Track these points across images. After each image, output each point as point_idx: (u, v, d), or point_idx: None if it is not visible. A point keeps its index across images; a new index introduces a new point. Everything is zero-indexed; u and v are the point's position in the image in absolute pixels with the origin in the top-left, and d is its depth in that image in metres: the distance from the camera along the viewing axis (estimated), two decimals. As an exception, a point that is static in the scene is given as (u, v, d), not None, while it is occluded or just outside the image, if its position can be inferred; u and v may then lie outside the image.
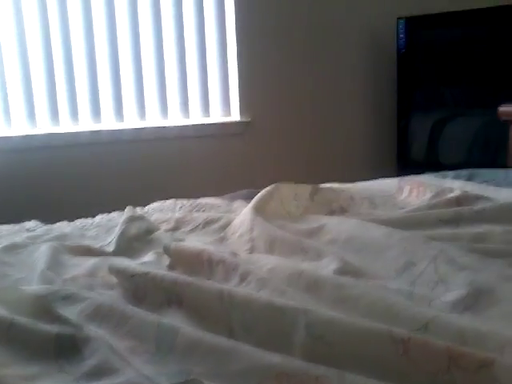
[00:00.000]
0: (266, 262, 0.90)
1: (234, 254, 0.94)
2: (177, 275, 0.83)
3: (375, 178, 1.70)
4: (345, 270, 0.87)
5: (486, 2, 2.74)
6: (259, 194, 1.25)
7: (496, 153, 2.60)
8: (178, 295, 0.78)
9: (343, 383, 0.54)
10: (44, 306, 0.74)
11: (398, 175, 2.01)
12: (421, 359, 0.55)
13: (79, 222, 1.33)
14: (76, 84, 2.53)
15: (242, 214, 1.17)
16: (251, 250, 1.03)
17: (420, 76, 2.90)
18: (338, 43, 2.87)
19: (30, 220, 1.40)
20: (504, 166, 2.14)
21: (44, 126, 2.52)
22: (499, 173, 1.58)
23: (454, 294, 0.76)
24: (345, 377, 0.55)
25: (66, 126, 2.54)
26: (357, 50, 2.91)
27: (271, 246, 1.01)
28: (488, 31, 2.79)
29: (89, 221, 1.34)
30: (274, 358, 0.59)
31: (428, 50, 2.88)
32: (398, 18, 2.78)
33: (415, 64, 2.85)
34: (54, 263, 1.00)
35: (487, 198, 1.28)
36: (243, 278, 0.83)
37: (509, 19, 2.70)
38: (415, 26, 2.80)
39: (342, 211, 1.26)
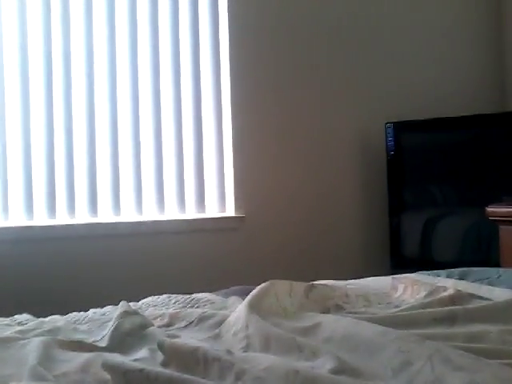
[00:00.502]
0: (262, 360, 0.89)
1: (230, 352, 0.93)
2: (171, 372, 0.82)
3: (369, 275, 1.72)
4: (341, 369, 0.86)
5: (468, 110, 2.91)
6: (254, 291, 1.25)
7: (488, 250, 2.63)
8: (173, 394, 0.77)
9: None
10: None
11: (391, 273, 2.03)
12: None
13: (72, 316, 1.32)
14: (74, 177, 2.60)
15: (237, 310, 1.17)
16: (246, 348, 1.02)
17: (409, 176, 3.00)
18: (329, 145, 3.00)
19: (21, 313, 1.38)
20: (497, 263, 2.17)
21: (41, 217, 2.55)
22: (492, 271, 1.60)
23: (451, 396, 0.75)
24: None
25: (62, 218, 2.57)
26: (348, 152, 3.03)
27: (266, 344, 1.00)
28: (472, 136, 2.94)
29: (82, 314, 1.32)
30: None
31: (416, 152, 3.00)
32: (386, 123, 2.92)
33: (404, 165, 2.96)
34: (45, 358, 0.98)
35: (481, 298, 1.29)
36: (239, 377, 0.82)
37: (490, 126, 2.85)
38: (403, 130, 2.94)
39: (338, 309, 1.26)
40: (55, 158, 2.57)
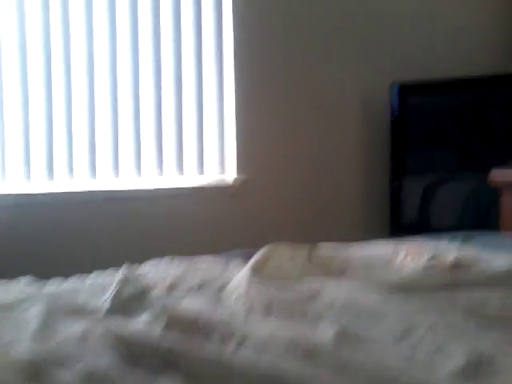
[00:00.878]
0: (264, 326, 0.89)
1: (232, 317, 0.93)
2: (173, 339, 0.82)
3: (368, 239, 1.71)
4: (343, 335, 0.86)
5: (477, 70, 2.84)
6: (256, 255, 1.25)
7: (487, 217, 2.62)
8: (175, 359, 0.77)
9: None
10: (35, 371, 0.73)
11: (390, 238, 2.02)
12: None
13: (73, 281, 1.32)
14: (73, 140, 2.57)
15: (239, 275, 1.17)
16: (248, 312, 1.02)
17: (412, 140, 2.95)
18: (332, 106, 2.95)
19: (23, 276, 1.38)
20: (496, 229, 2.16)
21: (39, 183, 2.53)
22: (493, 237, 1.60)
23: (453, 363, 0.75)
24: None
25: (60, 182, 2.55)
26: (351, 114, 2.98)
27: (268, 309, 1.00)
28: (479, 98, 2.88)
29: (83, 278, 1.33)
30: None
31: (420, 115, 2.95)
32: (392, 83, 2.86)
33: (408, 129, 2.91)
34: (46, 325, 0.99)
35: (483, 263, 1.28)
36: (240, 343, 0.82)
37: (498, 87, 2.79)
38: (408, 92, 2.88)
39: (340, 273, 1.26)
40: (53, 120, 2.53)
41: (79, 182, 2.58)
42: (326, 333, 0.87)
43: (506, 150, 2.74)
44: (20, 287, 1.28)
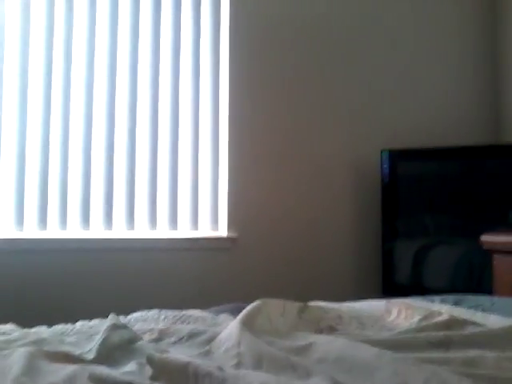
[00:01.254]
0: (254, 378, 0.87)
1: (221, 369, 0.90)
2: (161, 386, 0.79)
3: (360, 300, 1.69)
4: (336, 390, 0.83)
5: (464, 141, 2.93)
6: (247, 309, 1.22)
7: (480, 280, 2.62)
8: (162, 408, 0.74)
9: None
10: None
11: (383, 299, 2.00)
12: None
13: (59, 328, 1.28)
14: (67, 190, 2.58)
15: (229, 327, 1.14)
16: (238, 365, 0.99)
17: (403, 204, 2.99)
18: (325, 170, 3.00)
19: (5, 323, 1.35)
20: (488, 293, 2.15)
21: (31, 230, 2.51)
22: (485, 299, 1.59)
23: (449, 420, 0.73)
24: None
25: (53, 231, 2.54)
26: (343, 178, 3.03)
27: (259, 362, 0.98)
28: (467, 166, 2.95)
29: (69, 327, 1.29)
30: None
31: (411, 180, 3.01)
32: (382, 150, 2.93)
33: (399, 193, 2.96)
34: (30, 369, 0.95)
35: (476, 323, 1.27)
36: (230, 394, 0.80)
37: (485, 157, 2.87)
38: (398, 158, 2.95)
39: (331, 330, 1.24)
40: (49, 170, 2.55)
41: (72, 232, 2.57)
42: (317, 386, 0.84)
43: (495, 216, 2.77)
44: (2, 334, 1.24)
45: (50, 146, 2.56)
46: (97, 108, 2.64)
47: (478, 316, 1.37)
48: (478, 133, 3.15)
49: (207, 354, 1.07)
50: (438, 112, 3.17)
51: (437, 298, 1.63)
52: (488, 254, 2.26)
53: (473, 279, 2.72)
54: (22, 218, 2.50)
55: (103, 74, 2.65)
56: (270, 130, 2.91)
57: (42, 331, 1.25)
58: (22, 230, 2.50)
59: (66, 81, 2.59)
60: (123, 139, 2.68)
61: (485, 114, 3.25)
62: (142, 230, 2.68)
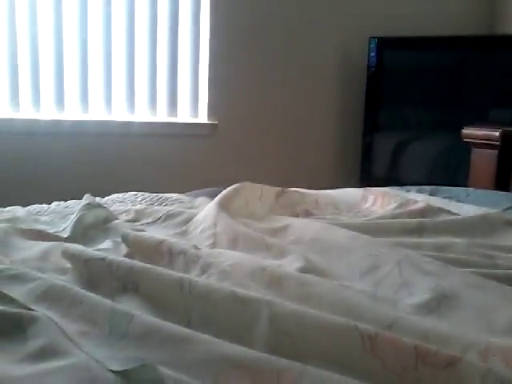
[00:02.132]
0: (229, 256, 0.87)
1: (196, 247, 0.91)
2: (134, 262, 0.79)
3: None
4: (308, 269, 0.85)
5: (454, 30, 2.82)
6: (224, 191, 1.22)
7: (456, 174, 2.66)
8: (135, 282, 0.74)
9: (306, 377, 0.52)
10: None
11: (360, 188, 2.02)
12: (388, 356, 0.53)
13: (33, 207, 1.27)
14: (41, 70, 2.46)
15: (206, 209, 1.14)
16: (213, 245, 1.00)
17: (387, 95, 2.94)
18: (310, 55, 2.89)
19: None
20: (464, 186, 2.18)
21: (4, 111, 2.43)
22: (461, 190, 1.61)
23: (417, 298, 0.75)
24: (307, 371, 0.52)
25: (27, 112, 2.46)
26: (328, 65, 2.93)
27: (234, 242, 0.98)
28: (454, 57, 2.87)
29: (44, 206, 1.28)
30: (234, 349, 0.56)
31: (397, 70, 2.93)
32: (370, 37, 2.82)
33: (383, 83, 2.89)
34: (3, 245, 0.95)
35: (449, 212, 1.29)
36: (204, 270, 0.80)
37: (475, 48, 2.79)
38: (386, 47, 2.85)
39: (307, 214, 1.25)
40: (18, 53, 2.42)
41: (47, 115, 2.49)
42: (291, 265, 0.86)
43: (480, 110, 2.75)
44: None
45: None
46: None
47: (452, 205, 1.39)
48: (472, 24, 3.03)
49: (183, 234, 1.08)
50: (431, 1, 3.02)
51: (413, 187, 1.65)
52: (467, 147, 2.26)
53: (449, 173, 2.76)
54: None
55: None
56: (255, 14, 2.75)
57: (16, 210, 1.24)
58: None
59: None
60: (99, 19, 2.52)
61: (480, 4, 3.11)
62: (120, 114, 2.61)
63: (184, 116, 2.74)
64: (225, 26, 2.69)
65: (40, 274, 0.74)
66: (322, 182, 2.86)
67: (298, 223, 1.07)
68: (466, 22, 3.03)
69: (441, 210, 1.29)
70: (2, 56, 2.41)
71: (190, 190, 1.65)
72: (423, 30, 2.83)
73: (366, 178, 2.93)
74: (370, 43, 2.83)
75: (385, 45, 2.84)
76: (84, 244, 1.01)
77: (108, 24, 2.54)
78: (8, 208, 1.28)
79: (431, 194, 1.57)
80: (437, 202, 1.43)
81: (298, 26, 2.84)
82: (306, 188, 1.67)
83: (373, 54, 2.84)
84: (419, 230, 1.13)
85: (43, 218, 1.18)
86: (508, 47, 2.73)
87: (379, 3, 2.94)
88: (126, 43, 2.59)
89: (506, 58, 2.72)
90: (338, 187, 1.82)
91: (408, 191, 1.62)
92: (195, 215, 1.15)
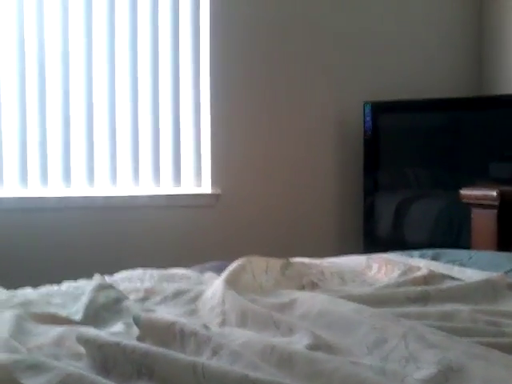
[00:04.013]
0: (239, 335, 0.90)
1: (206, 327, 0.93)
2: (148, 346, 0.81)
3: (343, 254, 1.73)
4: (317, 345, 0.87)
5: (446, 93, 2.93)
6: (231, 267, 1.25)
7: (459, 233, 2.68)
8: (149, 367, 0.76)
9: None
10: (8, 376, 0.71)
11: (364, 252, 2.05)
12: None
13: (45, 289, 1.30)
14: (48, 146, 2.55)
15: (214, 286, 1.17)
16: (223, 323, 1.02)
17: (385, 157, 3.01)
18: (307, 124, 2.99)
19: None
20: (467, 246, 2.21)
21: (13, 188, 2.50)
22: (463, 253, 1.63)
23: (425, 372, 0.77)
24: None
25: (34, 189, 2.53)
26: (325, 131, 3.03)
27: (243, 320, 1.01)
28: (448, 119, 2.97)
29: (55, 288, 1.31)
30: None
31: (393, 132, 3.02)
32: (365, 103, 2.92)
33: (380, 146, 2.98)
34: (18, 331, 0.97)
35: (453, 278, 1.31)
36: (215, 352, 0.82)
37: (466, 109, 2.89)
38: (381, 111, 2.95)
39: (313, 286, 1.27)
40: (27, 131, 2.51)
41: (53, 191, 2.55)
42: (300, 342, 0.88)
43: (476, 169, 2.81)
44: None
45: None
46: (74, 68, 2.58)
47: (455, 270, 1.42)
48: (461, 87, 3.15)
49: (193, 312, 1.10)
50: (420, 65, 3.15)
51: (416, 252, 1.67)
52: (467, 208, 2.30)
53: (452, 233, 2.79)
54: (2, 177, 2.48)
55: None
56: (253, 84, 2.87)
57: (28, 293, 1.27)
58: (2, 189, 2.48)
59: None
60: (103, 95, 2.64)
61: (467, 66, 3.24)
62: (124, 187, 2.67)
63: (187, 186, 2.80)
64: (225, 96, 2.80)
65: (57, 363, 0.76)
66: (326, 246, 2.90)
67: (304, 297, 1.09)
68: (455, 84, 3.15)
69: (444, 277, 1.31)
70: (11, 136, 2.50)
71: (195, 261, 1.68)
72: (415, 93, 2.93)
73: (370, 240, 2.95)
74: (364, 108, 2.93)
75: (379, 109, 2.94)
76: (97, 326, 1.04)
77: (112, 98, 2.65)
78: (20, 291, 1.30)
79: (434, 259, 1.60)
80: (440, 267, 1.46)
81: (294, 96, 2.96)
82: (310, 253, 1.71)
83: (368, 119, 2.94)
84: (424, 299, 1.15)
85: (55, 301, 1.21)
86: (497, 107, 2.84)
87: (372, 69, 3.07)
88: (130, 118, 2.69)
89: (497, 117, 2.82)
90: (342, 251, 1.85)
91: (411, 256, 1.64)
92: (203, 292, 1.17)
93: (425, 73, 3.14)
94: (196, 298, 1.17)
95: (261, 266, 1.30)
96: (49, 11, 2.54)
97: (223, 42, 2.80)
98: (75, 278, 1.43)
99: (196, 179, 2.82)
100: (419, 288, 1.19)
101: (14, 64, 2.50)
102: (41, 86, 2.54)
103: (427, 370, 0.77)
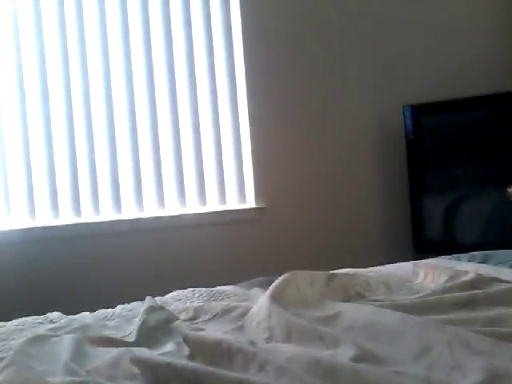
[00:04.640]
0: (284, 350, 0.92)
1: (253, 343, 0.96)
2: (197, 365, 0.85)
3: (392, 261, 1.73)
4: (361, 357, 0.88)
5: (485, 89, 2.87)
6: (276, 282, 1.27)
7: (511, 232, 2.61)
8: (199, 384, 0.80)
9: None
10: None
11: (414, 257, 2.03)
12: None
13: (101, 313, 1.36)
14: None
15: (260, 302, 1.20)
16: (269, 339, 1.04)
17: (429, 159, 2.97)
18: (348, 131, 2.99)
19: (51, 311, 1.43)
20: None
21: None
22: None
23: (471, 379, 0.77)
24: None
25: (86, 216, 2.62)
26: (366, 137, 3.01)
27: (289, 334, 1.03)
28: (490, 115, 2.90)
29: (109, 311, 1.37)
30: None
31: (435, 133, 2.97)
32: (404, 106, 2.90)
33: (423, 147, 2.94)
34: (77, 355, 1.03)
35: (502, 281, 1.29)
36: (262, 367, 0.85)
37: (508, 104, 2.81)
38: (421, 112, 2.92)
39: (359, 296, 1.28)
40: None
41: (104, 216, 2.65)
42: (345, 354, 0.89)
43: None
44: (50, 322, 1.33)
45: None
46: (113, 86, 2.68)
47: (504, 272, 1.39)
48: (500, 83, 3.07)
49: (240, 328, 1.13)
50: (457, 63, 3.10)
51: (464, 256, 1.65)
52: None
53: (505, 232, 2.71)
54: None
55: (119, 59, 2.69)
56: (292, 94, 2.89)
57: (85, 317, 1.33)
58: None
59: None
60: (144, 118, 2.72)
61: (506, 64, 3.16)
62: (171, 208, 2.74)
63: (232, 203, 2.84)
64: (263, 109, 2.83)
65: (113, 384, 0.81)
66: (375, 255, 2.87)
67: (348, 309, 1.10)
68: (495, 81, 3.07)
69: (493, 280, 1.29)
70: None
71: (242, 276, 1.71)
72: (454, 93, 2.89)
73: (420, 244, 2.91)
74: (404, 111, 2.91)
75: (419, 111, 2.91)
76: (149, 347, 1.08)
77: (154, 117, 2.71)
78: (77, 316, 1.37)
79: (482, 262, 1.57)
80: (488, 269, 1.43)
81: (333, 101, 2.96)
82: (359, 263, 1.70)
83: (408, 122, 2.91)
84: (471, 304, 1.14)
85: (110, 324, 1.27)
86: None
87: (410, 72, 3.04)
88: (171, 137, 2.74)
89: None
90: (391, 258, 1.84)
91: (459, 260, 1.62)
92: (250, 308, 1.20)
93: (462, 71, 3.09)
94: (243, 314, 1.20)
95: (306, 280, 1.32)
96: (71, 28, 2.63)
97: (259, 57, 2.83)
98: (128, 300, 1.49)
99: (240, 195, 2.86)
100: (466, 293, 1.18)
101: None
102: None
103: (473, 378, 0.77)
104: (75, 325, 1.26)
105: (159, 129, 2.74)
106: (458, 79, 3.05)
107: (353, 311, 1.08)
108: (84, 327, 1.24)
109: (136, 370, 0.93)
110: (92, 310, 1.42)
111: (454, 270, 1.38)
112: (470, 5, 3.16)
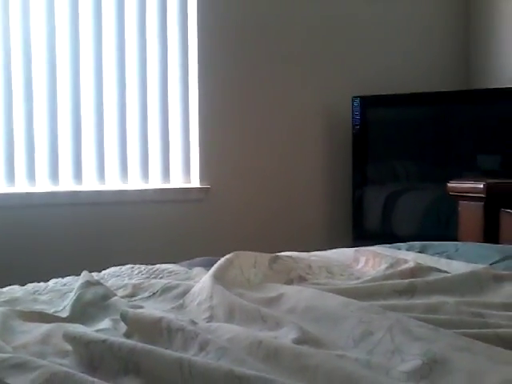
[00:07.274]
0: (226, 331, 0.90)
1: (194, 323, 0.93)
2: (135, 343, 0.81)
3: (332, 248, 1.74)
4: (303, 339, 0.87)
5: (434, 87, 2.95)
6: (219, 262, 1.25)
7: (447, 224, 2.70)
8: (136, 363, 0.76)
9: None
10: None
11: (353, 245, 2.06)
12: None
13: (31, 287, 1.29)
14: (35, 142, 2.53)
15: (202, 281, 1.17)
16: (210, 319, 1.02)
17: (374, 151, 3.03)
18: (296, 119, 3.00)
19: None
20: (454, 238, 2.23)
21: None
22: (450, 246, 1.65)
23: (410, 364, 0.77)
24: None
25: (22, 186, 2.51)
26: (314, 126, 3.03)
27: (230, 315, 1.01)
28: (437, 112, 2.99)
29: (42, 285, 1.30)
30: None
31: (381, 126, 3.03)
32: (353, 97, 2.93)
33: (369, 139, 2.99)
34: (4, 330, 0.96)
35: (440, 270, 1.32)
36: (202, 347, 0.83)
37: (454, 103, 2.91)
38: (369, 105, 2.96)
39: (301, 280, 1.27)
40: (14, 127, 2.50)
41: (41, 187, 2.54)
42: (286, 336, 0.88)
43: (464, 162, 2.83)
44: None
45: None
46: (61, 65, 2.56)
47: (442, 262, 1.43)
48: (448, 81, 3.16)
49: (180, 307, 1.10)
50: (408, 59, 3.17)
51: (403, 245, 1.68)
52: (455, 200, 2.32)
53: (440, 225, 2.81)
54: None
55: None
56: (241, 78, 2.87)
57: (14, 290, 1.26)
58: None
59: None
60: (91, 92, 2.62)
61: (454, 61, 3.26)
62: (113, 183, 2.66)
63: (176, 182, 2.80)
64: (213, 90, 2.80)
65: (42, 362, 0.76)
66: (315, 240, 2.91)
67: (291, 291, 1.10)
68: (443, 78, 3.16)
69: (431, 269, 1.32)
70: None
71: (184, 255, 1.69)
72: (403, 88, 2.95)
73: (359, 233, 2.97)
74: (353, 102, 2.94)
75: (367, 103, 2.95)
76: (83, 323, 1.03)
77: (99, 96, 2.63)
78: (6, 288, 1.30)
79: (421, 251, 1.61)
80: (426, 259, 1.47)
81: (282, 90, 2.96)
82: (300, 247, 1.71)
83: (356, 113, 2.95)
84: (410, 291, 1.16)
85: (42, 298, 1.20)
86: (484, 100, 2.86)
87: (360, 64, 3.08)
88: (117, 113, 2.67)
89: (484, 110, 2.84)
90: (331, 245, 1.86)
91: (398, 249, 1.65)
92: (191, 287, 1.17)
93: (412, 67, 3.15)
94: (184, 293, 1.16)
95: (249, 261, 1.30)
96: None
97: (211, 39, 2.79)
98: (63, 275, 1.43)
99: (185, 175, 2.81)
100: (406, 281, 1.19)
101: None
102: (27, 81, 2.52)
103: (412, 363, 0.77)
104: (3, 298, 1.19)
105: (104, 104, 2.64)
106: (408, 75, 3.11)
107: (296, 294, 1.07)
108: (12, 301, 1.17)
109: (68, 346, 0.88)
110: (23, 284, 1.35)
111: (394, 258, 1.41)
112: (420, 2, 3.22)
